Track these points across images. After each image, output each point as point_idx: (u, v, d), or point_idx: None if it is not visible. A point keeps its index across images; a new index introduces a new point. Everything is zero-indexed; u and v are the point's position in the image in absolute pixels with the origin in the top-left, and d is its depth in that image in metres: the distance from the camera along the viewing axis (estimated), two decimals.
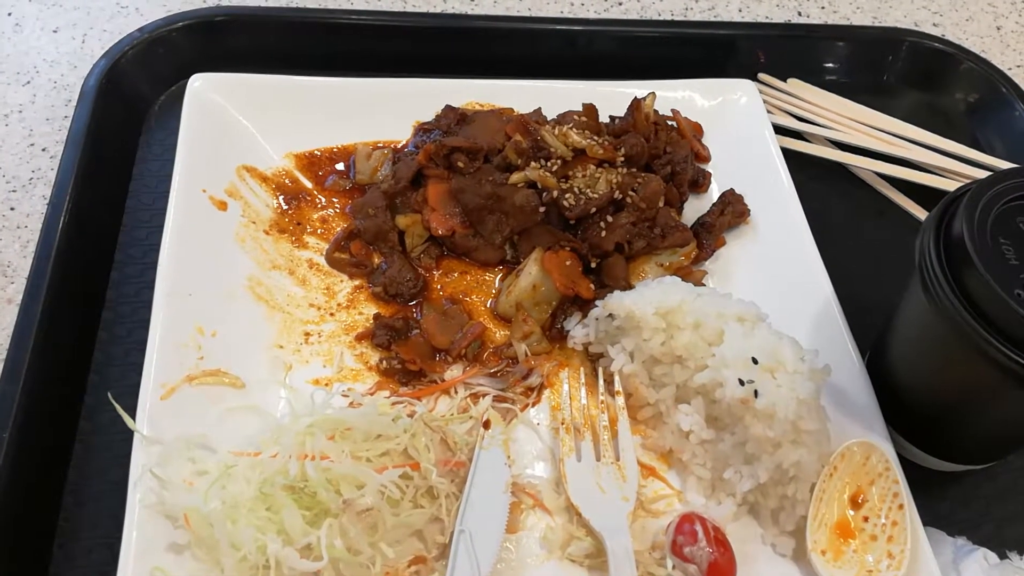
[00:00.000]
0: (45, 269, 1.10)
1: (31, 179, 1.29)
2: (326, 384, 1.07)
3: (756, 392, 0.96)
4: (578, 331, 1.12)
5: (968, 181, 1.36)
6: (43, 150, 1.33)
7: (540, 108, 1.29)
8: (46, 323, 1.07)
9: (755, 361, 0.97)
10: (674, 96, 1.38)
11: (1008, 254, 0.88)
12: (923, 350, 1.02)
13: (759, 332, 1.01)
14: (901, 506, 0.98)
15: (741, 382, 0.96)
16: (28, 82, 1.42)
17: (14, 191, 1.27)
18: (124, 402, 0.98)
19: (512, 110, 1.32)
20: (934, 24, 1.71)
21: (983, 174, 1.37)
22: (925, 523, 0.99)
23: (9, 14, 1.51)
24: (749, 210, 1.26)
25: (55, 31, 1.50)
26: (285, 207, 1.22)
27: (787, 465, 0.96)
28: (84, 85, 1.30)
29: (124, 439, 0.96)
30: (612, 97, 1.32)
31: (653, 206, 1.18)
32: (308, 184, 1.26)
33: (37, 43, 1.48)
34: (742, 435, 0.99)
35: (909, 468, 1.03)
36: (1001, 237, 0.89)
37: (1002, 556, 1.02)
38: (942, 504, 1.08)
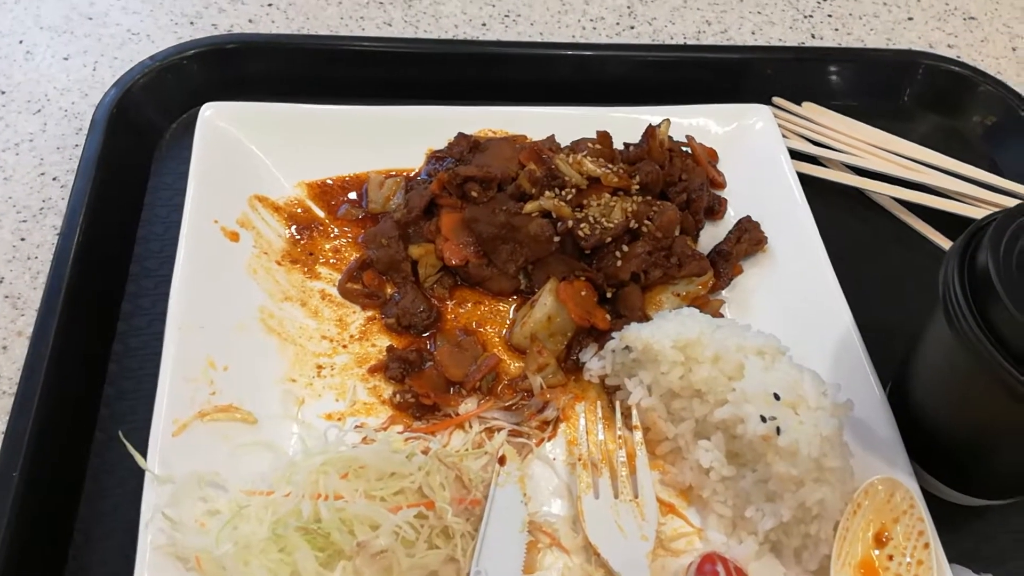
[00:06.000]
0: (56, 301, 1.09)
1: (42, 209, 1.28)
2: (339, 419, 1.06)
3: (778, 429, 0.94)
4: (594, 363, 1.11)
5: (987, 207, 1.36)
6: (54, 179, 1.32)
7: (553, 135, 1.28)
8: (56, 356, 1.06)
9: (777, 397, 0.95)
10: (688, 122, 1.37)
11: None
12: (946, 383, 1.00)
13: (780, 366, 0.99)
14: (927, 544, 0.96)
15: (763, 418, 0.94)
16: (39, 110, 1.41)
17: (24, 221, 1.27)
18: (135, 437, 0.96)
19: (525, 137, 1.31)
20: (949, 45, 1.69)
21: (1003, 199, 1.36)
22: (950, 559, 0.96)
23: (20, 42, 1.51)
24: (766, 237, 1.24)
25: (66, 59, 1.50)
26: (297, 237, 1.21)
27: (810, 503, 0.94)
28: (95, 114, 1.30)
29: (135, 475, 0.95)
30: (626, 123, 1.31)
31: (669, 235, 1.17)
32: (320, 213, 1.25)
33: (48, 71, 1.47)
34: (764, 472, 0.97)
35: (932, 502, 1.01)
36: None
37: None
38: (967, 539, 1.06)
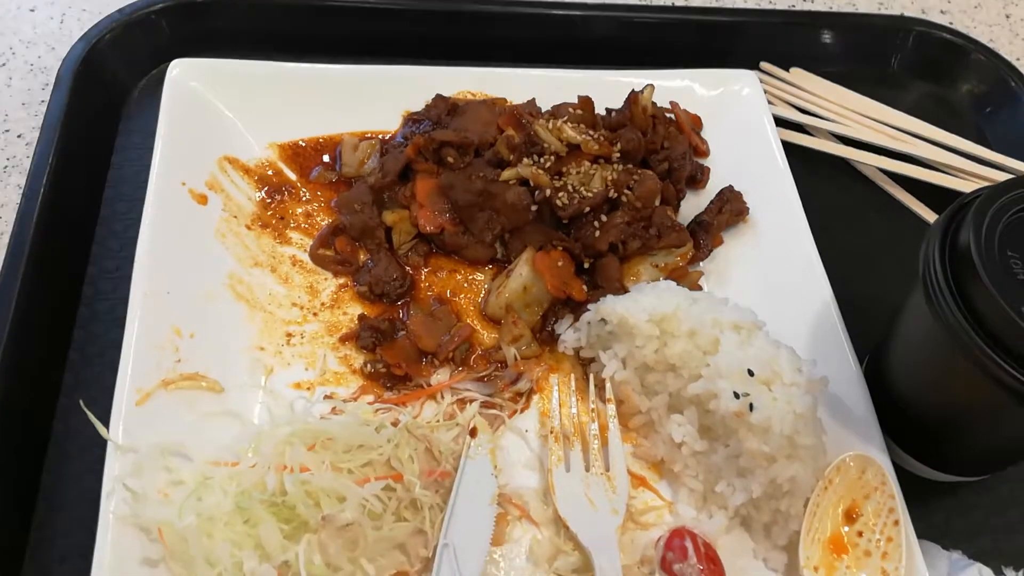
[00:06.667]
0: (19, 263, 1.07)
1: (5, 167, 1.24)
2: (308, 388, 1.04)
3: (751, 406, 0.93)
4: (569, 335, 1.09)
5: (974, 179, 1.34)
6: (18, 136, 1.28)
7: (534, 99, 1.25)
8: (19, 320, 1.03)
9: (751, 373, 0.94)
10: (673, 85, 1.33)
11: (1016, 268, 0.84)
12: (923, 360, 0.99)
13: (756, 341, 0.98)
14: (896, 522, 0.95)
15: (736, 395, 0.93)
16: (3, 64, 1.37)
17: None
18: (99, 405, 0.95)
19: (505, 100, 1.27)
20: (941, 11, 1.66)
21: (990, 172, 1.34)
22: (919, 534, 0.97)
23: None
24: (748, 208, 1.22)
25: (32, 10, 1.44)
26: (268, 200, 1.18)
27: (781, 480, 0.94)
28: (61, 69, 1.26)
29: (99, 443, 0.93)
30: (609, 87, 1.28)
31: (649, 205, 1.14)
32: (292, 176, 1.21)
33: (13, 23, 1.42)
34: (736, 448, 0.96)
35: (904, 477, 1.01)
36: (1010, 250, 0.85)
37: (997, 571, 1.00)
38: (937, 514, 1.06)
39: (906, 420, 1.04)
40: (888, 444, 1.03)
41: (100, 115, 1.27)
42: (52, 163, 1.15)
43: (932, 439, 1.04)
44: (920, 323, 0.95)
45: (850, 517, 0.97)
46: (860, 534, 0.96)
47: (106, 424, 0.93)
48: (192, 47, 1.27)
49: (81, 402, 0.95)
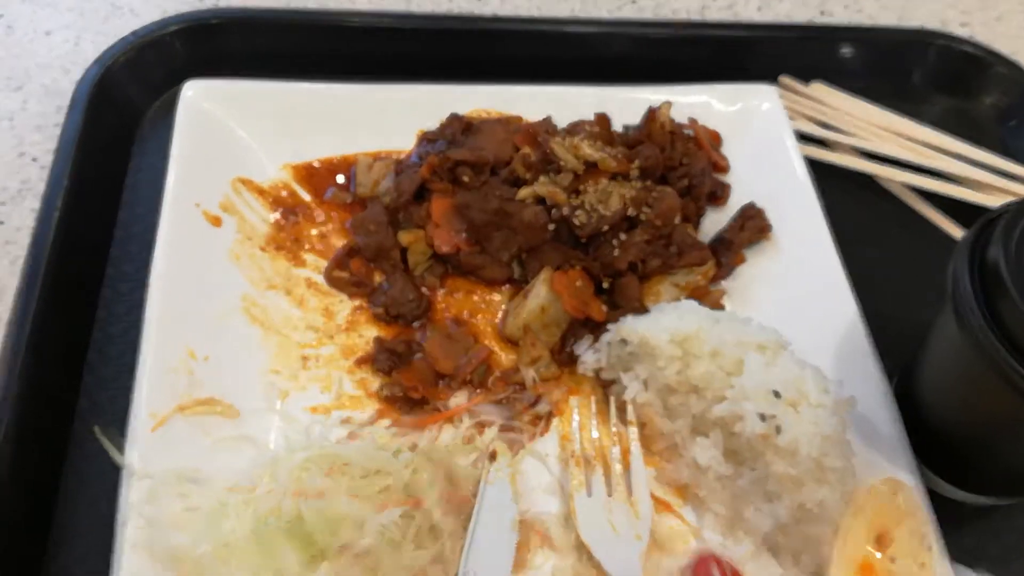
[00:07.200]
0: (34, 287, 1.06)
1: (20, 191, 1.24)
2: (324, 412, 1.02)
3: (778, 428, 0.90)
4: (589, 356, 1.07)
5: (1000, 194, 1.31)
6: (33, 160, 1.28)
7: (550, 117, 1.24)
8: (35, 343, 1.02)
9: (777, 394, 0.92)
10: (691, 101, 1.31)
11: None
12: (954, 379, 0.97)
13: (781, 362, 0.95)
14: (930, 548, 0.93)
15: (762, 417, 0.91)
16: (19, 87, 1.37)
17: (3, 204, 1.23)
18: (115, 428, 0.94)
19: (520, 118, 1.26)
20: (962, 24, 1.63)
21: (1016, 186, 1.32)
22: (953, 559, 0.94)
23: (1, 15, 1.46)
24: (770, 225, 1.20)
25: (48, 33, 1.45)
26: (282, 222, 1.17)
27: (810, 504, 0.91)
28: (76, 92, 1.25)
29: (114, 468, 0.92)
30: (626, 103, 1.27)
31: (669, 223, 1.13)
32: (306, 197, 1.20)
33: (29, 46, 1.42)
34: (762, 472, 0.93)
35: (936, 500, 0.98)
36: None
37: None
38: (969, 538, 1.03)
39: (937, 440, 1.01)
40: (919, 466, 1.00)
41: (114, 137, 1.26)
42: (67, 186, 1.15)
43: (963, 460, 1.01)
44: (950, 341, 0.93)
45: (881, 543, 0.94)
46: (892, 560, 0.93)
47: (120, 449, 0.92)
48: (206, 68, 1.27)
49: (97, 429, 0.94)
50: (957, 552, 0.96)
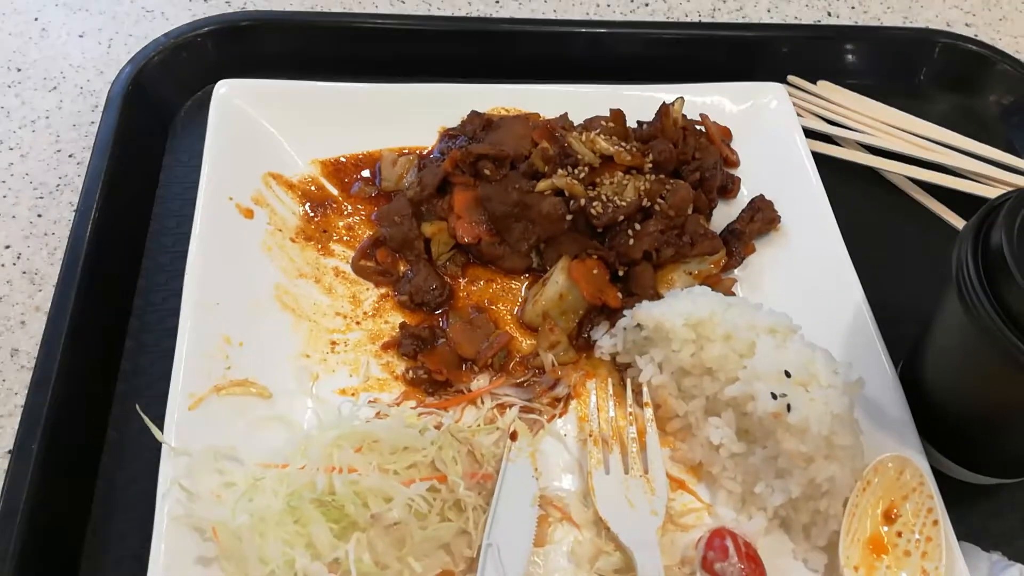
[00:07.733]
0: (73, 277, 1.10)
1: (58, 186, 1.29)
2: (352, 394, 1.07)
3: (789, 406, 0.94)
4: (605, 341, 1.11)
5: (1003, 187, 1.35)
6: (70, 156, 1.33)
7: (567, 113, 1.28)
8: (74, 331, 1.07)
9: (788, 374, 0.96)
10: (702, 100, 1.36)
11: None
12: (958, 362, 1.00)
13: (791, 344, 0.99)
14: (936, 522, 0.96)
15: (773, 396, 0.95)
16: (55, 88, 1.42)
17: (41, 198, 1.28)
18: (151, 412, 0.98)
19: (538, 115, 1.31)
20: (966, 24, 1.67)
21: (1019, 179, 1.35)
22: (959, 537, 0.97)
23: (36, 19, 1.52)
24: (779, 216, 1.24)
25: (81, 36, 1.50)
26: (311, 214, 1.22)
27: (820, 480, 0.95)
28: (110, 91, 1.30)
29: (152, 449, 0.96)
30: (639, 101, 1.31)
31: (682, 213, 1.17)
32: (334, 191, 1.25)
33: (64, 48, 1.48)
34: (774, 449, 0.97)
35: (942, 480, 1.01)
36: None
37: None
38: (976, 517, 1.06)
39: (943, 422, 1.04)
40: (925, 447, 1.03)
41: (148, 134, 1.31)
42: (103, 180, 1.19)
43: (968, 441, 1.04)
44: (954, 325, 0.96)
45: (889, 518, 0.97)
46: (899, 534, 0.96)
47: (159, 430, 0.96)
48: (236, 68, 1.32)
49: (137, 406, 0.98)
50: (963, 531, 0.99)
